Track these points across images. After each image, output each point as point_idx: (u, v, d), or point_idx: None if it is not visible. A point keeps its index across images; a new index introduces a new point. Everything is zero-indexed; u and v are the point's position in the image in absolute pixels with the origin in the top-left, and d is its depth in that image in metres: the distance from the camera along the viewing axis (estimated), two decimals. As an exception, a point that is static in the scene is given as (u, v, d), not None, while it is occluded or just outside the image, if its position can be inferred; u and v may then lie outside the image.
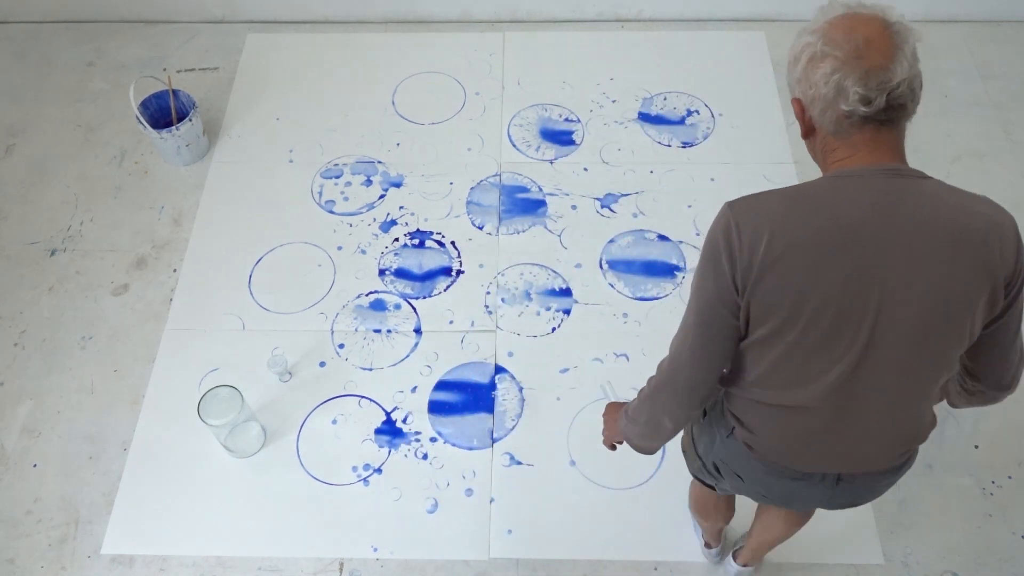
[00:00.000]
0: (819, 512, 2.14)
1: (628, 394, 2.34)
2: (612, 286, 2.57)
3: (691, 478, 1.72)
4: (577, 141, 2.93)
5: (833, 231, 1.13)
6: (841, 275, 1.13)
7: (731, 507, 1.89)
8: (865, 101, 1.11)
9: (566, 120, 2.99)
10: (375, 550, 2.13)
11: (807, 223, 1.13)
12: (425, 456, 2.27)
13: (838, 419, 1.25)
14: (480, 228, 2.71)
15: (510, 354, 2.43)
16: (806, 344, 1.18)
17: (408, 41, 3.24)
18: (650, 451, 1.47)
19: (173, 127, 2.75)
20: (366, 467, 2.25)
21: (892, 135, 1.16)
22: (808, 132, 1.23)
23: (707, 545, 2.06)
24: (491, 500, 2.19)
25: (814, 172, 1.25)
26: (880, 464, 1.34)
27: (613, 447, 1.61)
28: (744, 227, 1.14)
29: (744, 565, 2.00)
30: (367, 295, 2.57)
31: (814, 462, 1.33)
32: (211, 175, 2.87)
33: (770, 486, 1.43)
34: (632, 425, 1.44)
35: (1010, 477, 2.21)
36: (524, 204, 2.77)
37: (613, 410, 1.57)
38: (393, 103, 3.06)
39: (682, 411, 1.34)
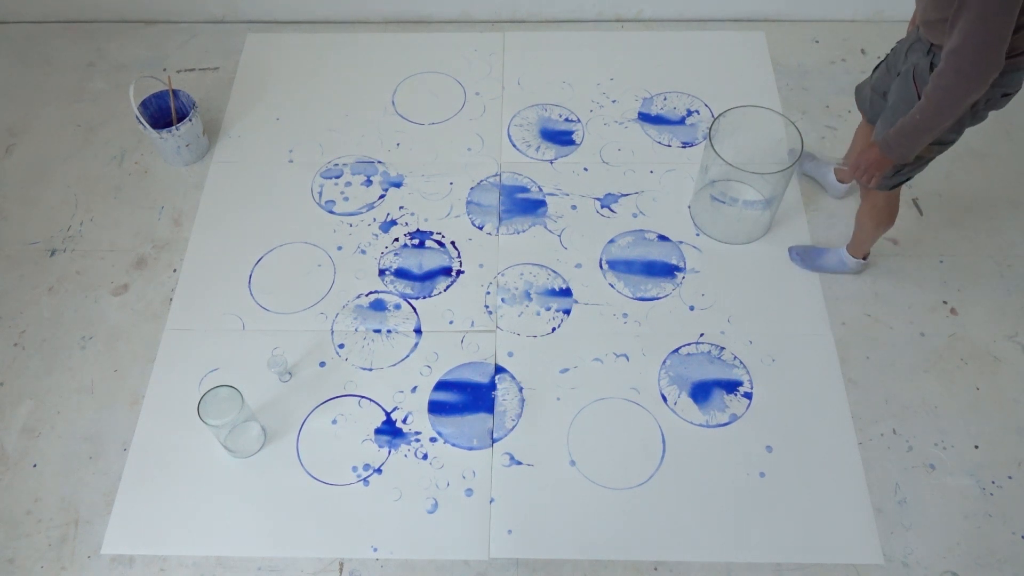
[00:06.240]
0: (818, 512, 2.15)
1: (626, 393, 2.35)
2: (612, 286, 2.57)
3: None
4: (577, 141, 2.93)
5: None
6: None
7: None
8: None
9: (566, 120, 2.99)
10: (375, 550, 2.13)
11: None
12: (425, 456, 2.27)
13: None
14: (480, 228, 2.71)
15: (510, 354, 2.43)
16: None
17: (408, 41, 3.24)
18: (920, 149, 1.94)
19: (173, 127, 2.75)
20: (366, 467, 2.25)
21: None
22: None
23: (865, 257, 2.51)
24: (491, 500, 2.19)
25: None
26: None
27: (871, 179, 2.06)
28: None
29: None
30: (367, 295, 2.57)
31: None
32: (211, 175, 2.87)
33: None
34: (924, 135, 1.86)
35: (1010, 477, 2.21)
36: (524, 204, 2.77)
37: (873, 154, 1.98)
38: (393, 103, 3.06)
39: (985, 86, 1.72)
